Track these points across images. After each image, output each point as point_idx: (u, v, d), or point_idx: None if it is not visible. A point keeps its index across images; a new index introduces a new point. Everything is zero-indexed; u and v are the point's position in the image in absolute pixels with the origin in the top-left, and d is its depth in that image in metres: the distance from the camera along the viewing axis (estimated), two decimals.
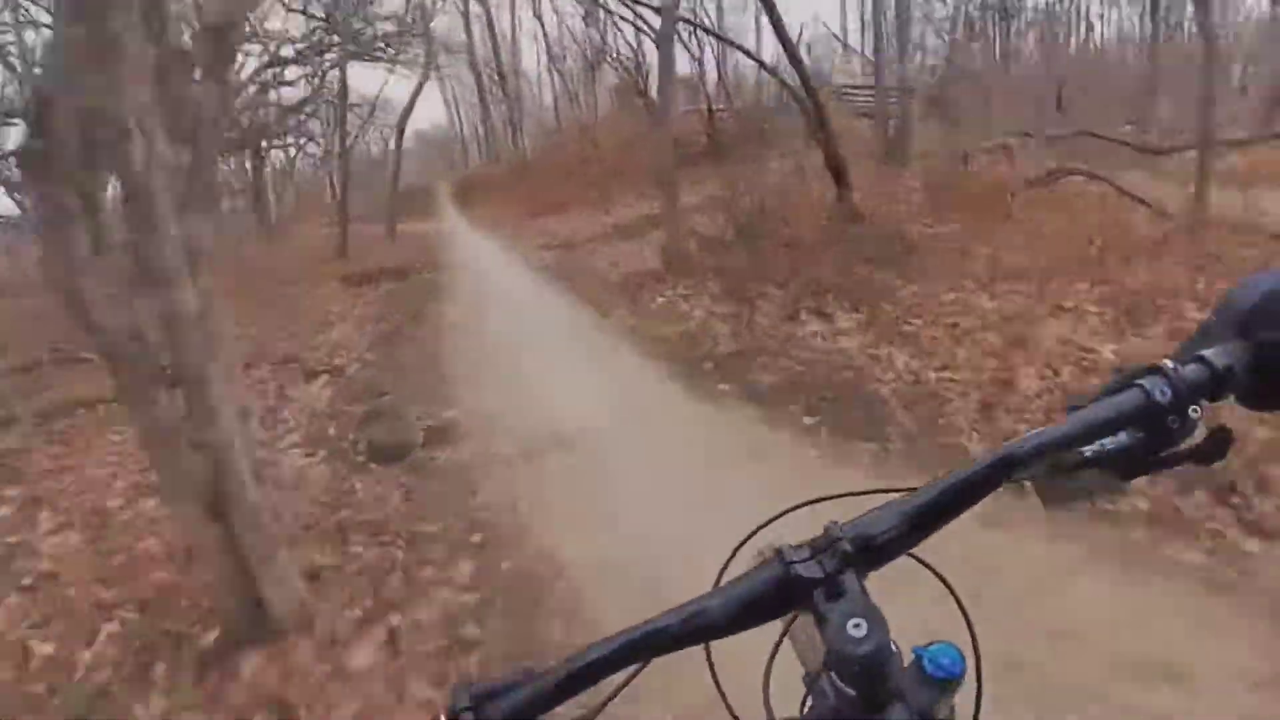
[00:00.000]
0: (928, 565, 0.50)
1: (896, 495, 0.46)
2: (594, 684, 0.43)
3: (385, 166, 20.33)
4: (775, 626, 0.48)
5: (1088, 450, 0.46)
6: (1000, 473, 0.44)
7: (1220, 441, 0.44)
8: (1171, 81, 12.84)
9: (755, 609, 0.43)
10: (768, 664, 0.52)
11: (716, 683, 0.52)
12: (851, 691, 0.39)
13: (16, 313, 7.89)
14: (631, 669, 0.44)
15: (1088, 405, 0.46)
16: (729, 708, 0.50)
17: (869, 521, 0.44)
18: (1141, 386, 0.44)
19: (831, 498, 0.51)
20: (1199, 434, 0.44)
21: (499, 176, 22.79)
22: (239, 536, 2.33)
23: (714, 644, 0.48)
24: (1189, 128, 7.88)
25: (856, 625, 0.39)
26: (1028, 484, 0.65)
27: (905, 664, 0.41)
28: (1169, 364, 0.45)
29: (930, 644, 0.42)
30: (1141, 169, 8.40)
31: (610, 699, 0.46)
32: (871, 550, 0.43)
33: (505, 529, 3.13)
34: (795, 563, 0.43)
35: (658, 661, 0.44)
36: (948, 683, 0.41)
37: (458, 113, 36.49)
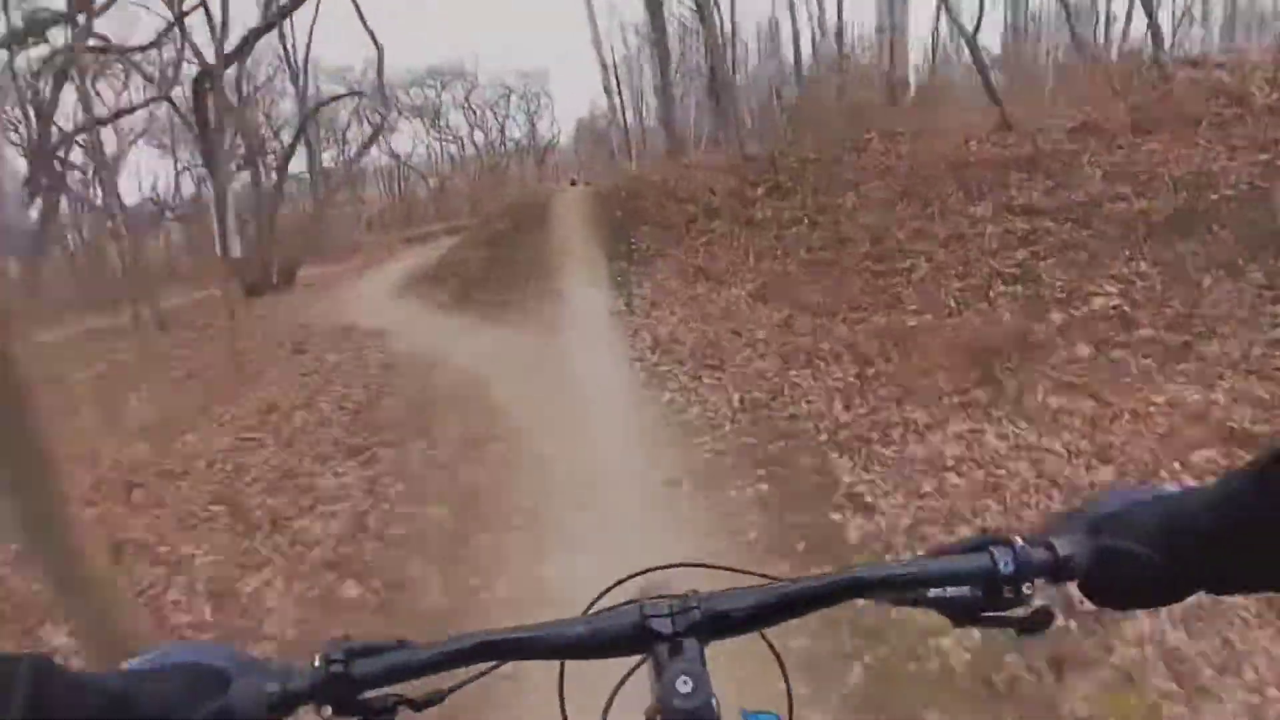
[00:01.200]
0: (768, 642, 0.58)
1: (762, 581, 0.53)
2: (452, 668, 0.48)
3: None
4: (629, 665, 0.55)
5: (930, 592, 0.50)
6: (847, 591, 0.50)
7: (1041, 619, 0.48)
8: None
9: (607, 644, 0.49)
10: (609, 697, 0.58)
11: (561, 701, 0.58)
12: None
13: None
14: (485, 666, 0.50)
15: (942, 555, 0.52)
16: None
17: (724, 599, 0.50)
18: (991, 554, 0.49)
19: (709, 566, 0.61)
20: (1032, 605, 0.49)
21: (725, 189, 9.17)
22: None
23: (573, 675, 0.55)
24: None
25: (685, 683, 0.43)
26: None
27: None
28: (1019, 540, 0.49)
29: (758, 712, 0.50)
30: None
31: (460, 687, 0.51)
32: (718, 623, 0.49)
33: None
34: (651, 616, 0.48)
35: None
36: None
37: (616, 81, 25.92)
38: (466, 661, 0.49)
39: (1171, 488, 0.51)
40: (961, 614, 0.50)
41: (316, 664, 0.46)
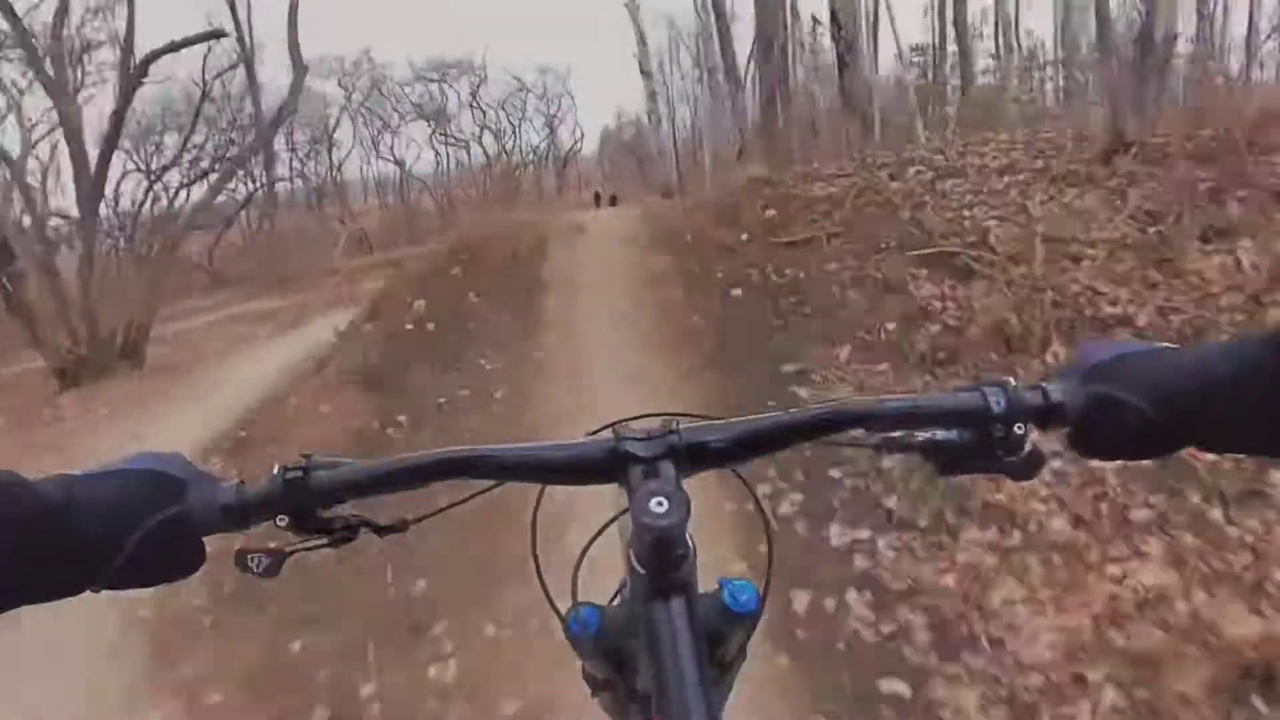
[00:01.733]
0: (745, 481, 0.57)
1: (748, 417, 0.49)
2: (416, 483, 0.46)
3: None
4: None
5: (919, 435, 0.49)
6: (832, 424, 0.48)
7: (1032, 463, 0.48)
8: None
9: (580, 468, 0.47)
10: (584, 548, 0.54)
11: (533, 531, 0.56)
12: (643, 570, 0.43)
13: None
14: (457, 500, 0.53)
15: (934, 395, 0.51)
16: (535, 557, 0.54)
17: (703, 429, 0.47)
18: (983, 393, 0.47)
19: (693, 416, 0.50)
20: (1021, 453, 0.47)
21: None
22: None
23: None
24: None
25: (660, 504, 0.41)
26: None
27: (710, 591, 0.48)
28: (1012, 382, 0.48)
29: (735, 580, 0.49)
30: None
31: (426, 517, 0.50)
32: (697, 453, 0.47)
33: None
34: (628, 439, 0.46)
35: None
36: (741, 617, 0.49)
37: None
38: (431, 478, 0.46)
39: (1165, 345, 0.49)
40: (951, 459, 0.49)
41: (274, 473, 0.45)
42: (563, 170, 39.39)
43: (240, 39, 17.99)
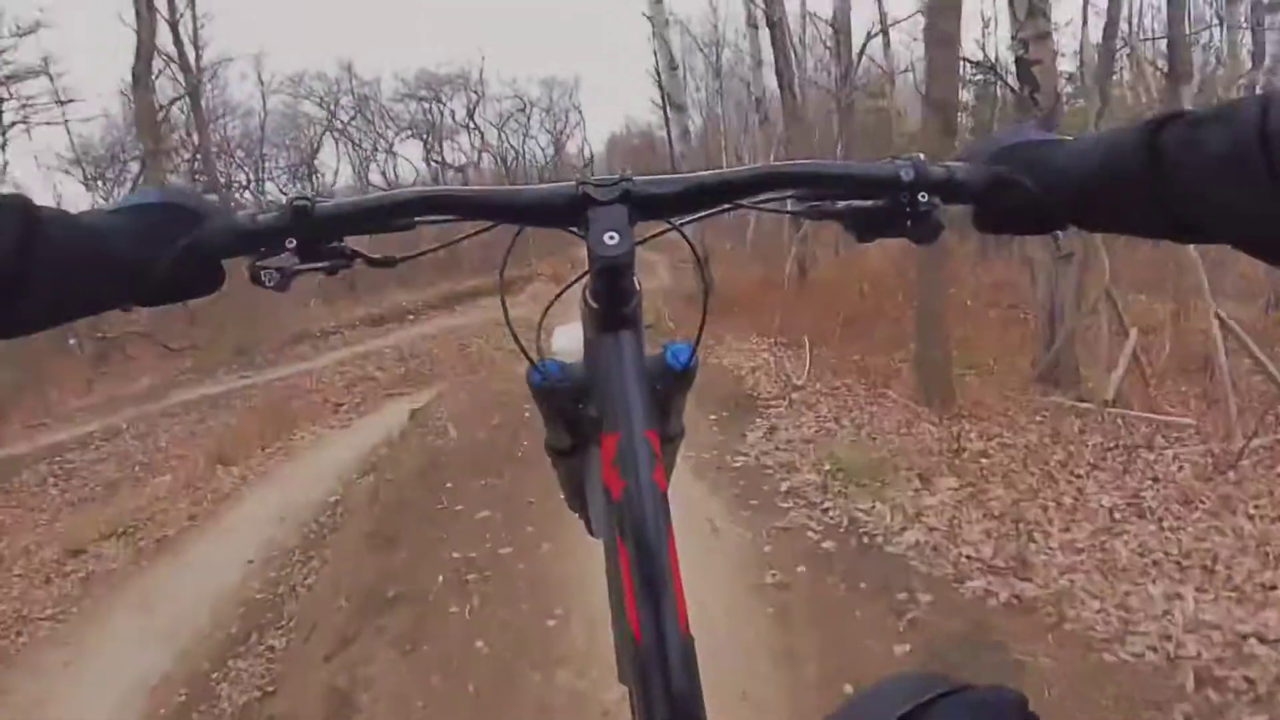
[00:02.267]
0: (685, 236, 0.58)
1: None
2: (401, 218, 0.51)
3: None
4: None
5: (840, 204, 0.54)
6: (766, 183, 0.53)
7: (933, 228, 0.52)
8: None
9: (548, 210, 0.51)
10: (548, 305, 0.66)
11: (501, 274, 0.71)
12: (595, 305, 0.48)
13: None
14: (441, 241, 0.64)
15: (854, 163, 0.55)
16: (505, 310, 0.61)
17: (654, 182, 0.51)
18: (895, 164, 0.52)
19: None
20: (927, 222, 0.52)
21: None
22: None
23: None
24: None
25: (611, 238, 0.46)
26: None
27: (655, 352, 0.53)
28: (921, 157, 0.52)
29: (676, 343, 0.55)
30: None
31: (413, 257, 0.59)
32: (648, 202, 0.50)
33: None
34: (587, 185, 0.49)
35: None
36: (682, 374, 0.54)
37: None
38: (413, 212, 0.51)
39: (1067, 137, 0.53)
40: (865, 226, 0.54)
41: (283, 202, 0.49)
42: None
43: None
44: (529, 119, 34.29)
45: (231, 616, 3.87)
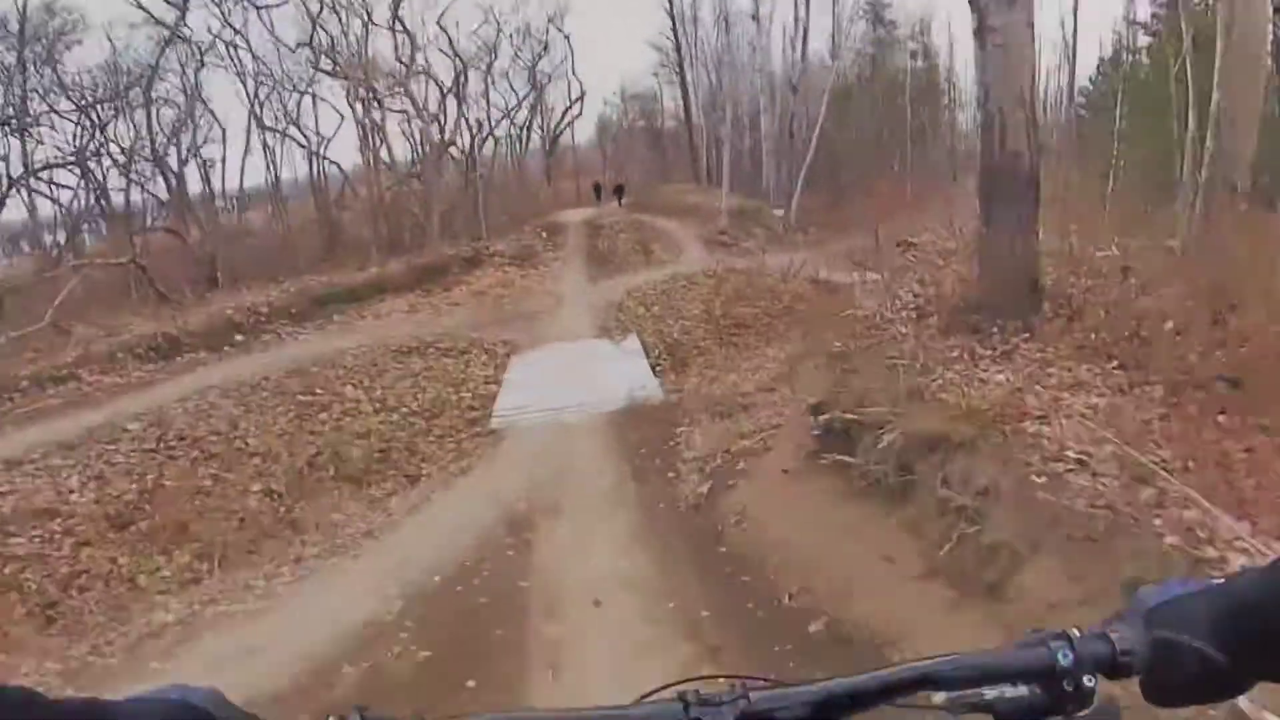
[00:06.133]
0: None
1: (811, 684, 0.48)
2: None
3: None
4: None
5: (988, 693, 0.48)
6: (913, 685, 0.48)
7: (1109, 715, 0.48)
8: None
9: None
10: None
11: None
12: None
13: None
14: None
15: (999, 651, 0.50)
16: None
17: (774, 696, 0.47)
18: (1048, 647, 0.48)
19: (760, 678, 0.51)
20: (1093, 704, 0.47)
21: None
22: None
23: None
24: None
25: None
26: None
27: None
28: (1075, 633, 0.48)
29: None
30: None
31: None
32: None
33: None
34: (695, 705, 0.46)
35: None
36: None
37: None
38: None
39: (1219, 579, 0.49)
40: (1023, 715, 0.48)
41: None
42: (551, 146, 28.11)
43: None
44: (496, 44, 25.21)
45: None
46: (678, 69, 29.37)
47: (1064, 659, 0.47)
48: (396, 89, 21.38)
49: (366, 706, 0.46)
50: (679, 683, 0.49)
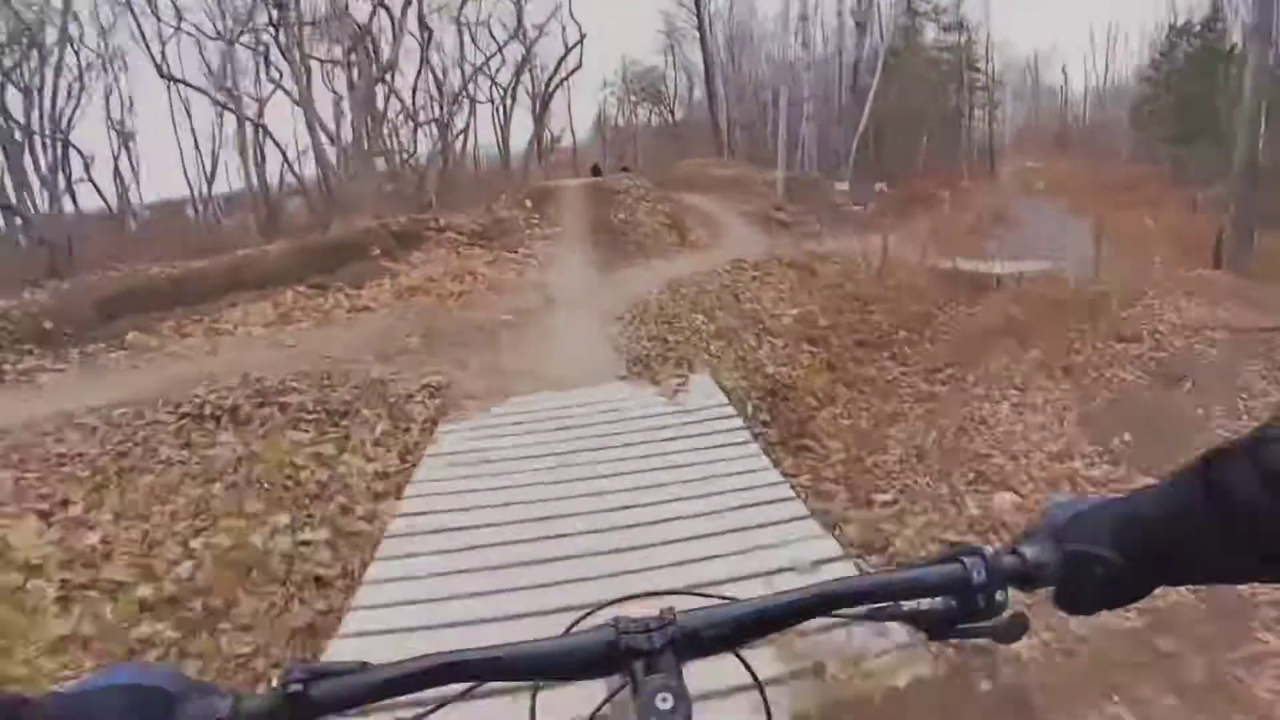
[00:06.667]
0: (745, 664, 0.54)
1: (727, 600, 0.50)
2: (417, 689, 0.45)
3: None
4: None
5: (905, 605, 0.50)
6: (821, 605, 0.49)
7: (1017, 626, 0.49)
8: None
9: (581, 663, 0.47)
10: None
11: None
12: None
13: None
14: (452, 693, 0.47)
15: (913, 568, 0.51)
16: None
17: (701, 617, 0.48)
18: (963, 563, 0.49)
19: (682, 592, 0.52)
20: (1006, 615, 0.49)
21: None
22: None
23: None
24: None
25: (664, 700, 0.43)
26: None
27: None
28: (989, 549, 0.50)
29: None
30: None
31: (424, 715, 0.48)
32: (696, 642, 0.47)
33: None
34: (627, 633, 0.46)
35: None
36: None
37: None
38: (432, 683, 0.46)
39: (1121, 495, 0.51)
40: (937, 627, 0.50)
41: (274, 685, 0.43)
42: (542, 110, 22.76)
43: None
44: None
45: None
46: (696, 30, 26.24)
47: (978, 575, 0.48)
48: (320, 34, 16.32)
49: (310, 660, 0.47)
50: (610, 603, 0.52)
